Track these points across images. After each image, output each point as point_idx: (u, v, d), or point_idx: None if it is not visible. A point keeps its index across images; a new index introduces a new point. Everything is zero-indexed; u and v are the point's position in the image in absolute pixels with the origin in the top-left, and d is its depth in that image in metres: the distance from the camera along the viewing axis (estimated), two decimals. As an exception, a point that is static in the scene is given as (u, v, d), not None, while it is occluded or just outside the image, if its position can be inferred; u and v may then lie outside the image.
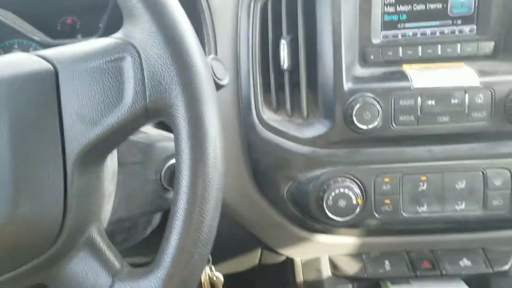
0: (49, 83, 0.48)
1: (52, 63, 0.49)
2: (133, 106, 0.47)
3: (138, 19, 0.48)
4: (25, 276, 0.50)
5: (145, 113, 0.48)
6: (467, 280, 0.88)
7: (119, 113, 0.48)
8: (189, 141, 0.46)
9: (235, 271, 1.08)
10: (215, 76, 0.58)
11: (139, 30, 0.48)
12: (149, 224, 0.82)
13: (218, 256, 1.00)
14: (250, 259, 1.06)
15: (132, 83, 0.47)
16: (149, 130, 0.73)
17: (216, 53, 0.80)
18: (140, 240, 0.83)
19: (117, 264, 0.50)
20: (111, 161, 0.60)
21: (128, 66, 0.48)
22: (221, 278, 0.79)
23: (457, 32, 0.78)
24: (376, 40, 0.78)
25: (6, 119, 0.46)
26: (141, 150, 0.67)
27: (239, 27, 0.79)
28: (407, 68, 0.77)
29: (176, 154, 0.47)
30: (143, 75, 0.47)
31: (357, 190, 0.75)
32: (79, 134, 0.48)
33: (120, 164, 0.64)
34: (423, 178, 0.76)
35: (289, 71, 0.78)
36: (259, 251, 1.04)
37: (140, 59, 0.47)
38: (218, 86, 0.60)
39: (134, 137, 0.67)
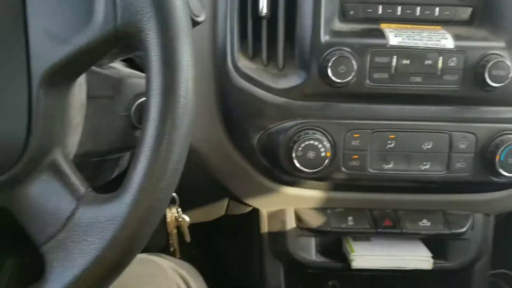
0: None
1: None
2: (103, 27, 0.46)
3: None
4: None
5: (116, 35, 0.46)
6: (425, 241, 0.92)
7: (88, 33, 0.46)
8: (159, 68, 0.45)
9: (200, 221, 1.08)
10: (191, 11, 0.57)
11: None
12: (116, 165, 0.81)
13: (184, 204, 1.00)
14: (217, 209, 1.06)
15: (103, 3, 0.46)
16: (120, 66, 0.72)
17: (193, -6, 0.78)
18: (105, 182, 0.82)
19: (82, 189, 0.50)
20: (79, 92, 0.59)
21: None
22: (187, 219, 0.80)
23: (437, -5, 0.79)
24: (357, -5, 0.78)
25: None
26: (111, 84, 0.66)
27: None
28: (385, 27, 0.77)
29: (147, 81, 0.46)
30: None
31: (327, 144, 0.75)
32: (46, 52, 0.46)
33: (89, 96, 0.63)
34: (392, 136, 0.77)
35: (268, 19, 0.77)
36: (225, 202, 1.04)
37: None
38: (194, 23, 0.59)
39: (104, 71, 0.66)
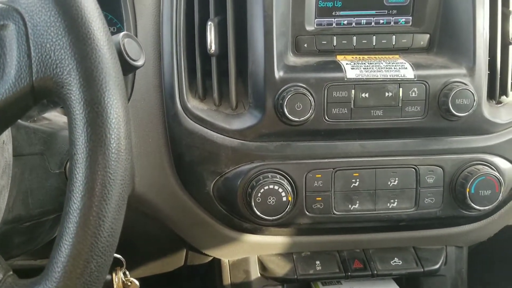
0: None
1: None
2: (16, 85, 0.39)
3: None
4: None
5: (32, 93, 0.40)
6: (397, 279, 0.87)
7: None
8: (85, 129, 0.39)
9: (159, 272, 1.00)
10: (128, 55, 0.52)
11: None
12: (56, 223, 0.73)
13: (140, 257, 0.92)
14: (175, 260, 0.99)
15: (15, 57, 0.39)
16: (54, 117, 0.65)
17: (136, 33, 0.72)
18: (48, 241, 0.74)
19: None
20: (2, 152, 0.52)
21: (11, 36, 0.40)
22: (137, 283, 0.72)
23: (392, 23, 0.75)
24: (309, 27, 0.74)
25: None
26: (41, 139, 0.59)
27: (162, 4, 0.72)
28: (341, 59, 0.73)
29: (70, 144, 0.40)
30: (28, 47, 0.39)
31: (288, 187, 0.70)
32: None
33: (16, 155, 0.55)
34: (355, 174, 0.72)
35: (217, 56, 0.71)
36: (184, 252, 0.97)
37: (26, 27, 0.40)
38: (132, 68, 0.53)
39: (33, 125, 0.59)
